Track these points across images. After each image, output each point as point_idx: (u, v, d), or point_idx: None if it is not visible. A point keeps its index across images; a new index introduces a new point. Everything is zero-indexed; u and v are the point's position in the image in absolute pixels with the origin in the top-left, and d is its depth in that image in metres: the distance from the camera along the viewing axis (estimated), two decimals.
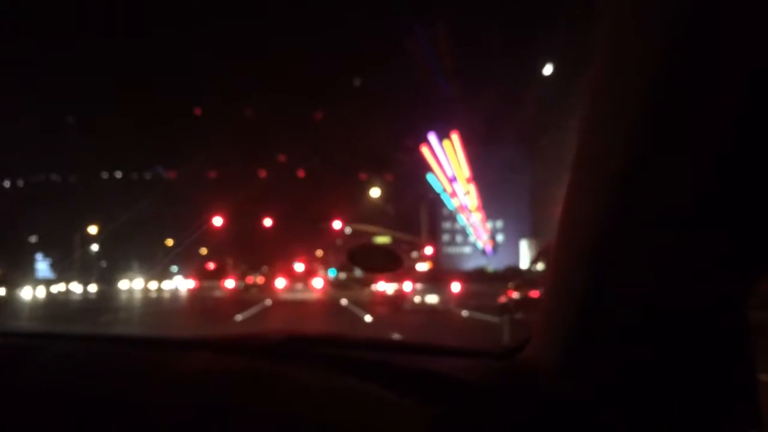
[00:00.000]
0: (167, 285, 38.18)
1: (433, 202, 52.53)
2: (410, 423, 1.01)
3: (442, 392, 1.08)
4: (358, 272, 29.73)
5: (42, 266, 40.81)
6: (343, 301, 20.84)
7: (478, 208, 51.15)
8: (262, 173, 35.77)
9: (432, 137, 47.07)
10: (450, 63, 42.22)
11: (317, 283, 29.17)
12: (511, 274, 18.38)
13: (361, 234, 29.81)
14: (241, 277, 34.31)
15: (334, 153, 46.08)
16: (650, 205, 0.80)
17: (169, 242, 38.06)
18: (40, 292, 29.64)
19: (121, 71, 55.21)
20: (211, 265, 38.12)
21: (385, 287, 20.69)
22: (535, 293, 6.48)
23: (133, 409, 1.20)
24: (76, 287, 33.37)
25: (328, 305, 20.54)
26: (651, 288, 0.84)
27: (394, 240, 31.30)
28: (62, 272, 37.49)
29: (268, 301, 21.22)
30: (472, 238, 54.84)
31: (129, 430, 1.16)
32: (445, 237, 58.66)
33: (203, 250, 40.69)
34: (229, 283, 31.53)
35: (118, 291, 33.91)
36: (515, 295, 7.68)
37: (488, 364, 1.28)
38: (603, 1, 0.86)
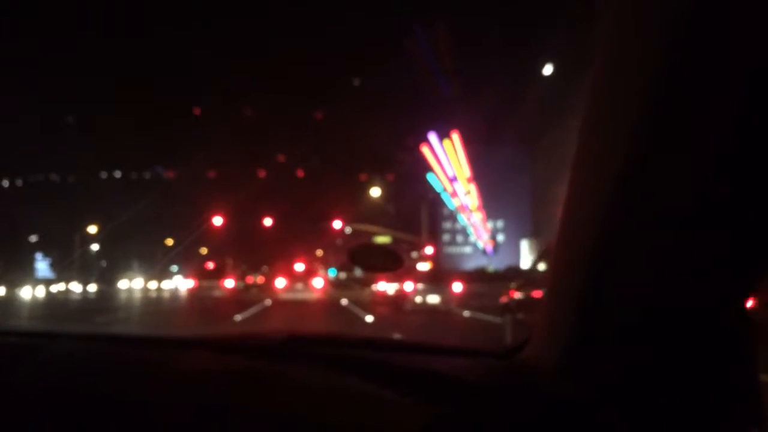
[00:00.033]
0: (167, 285, 38.17)
1: (434, 201, 52.59)
2: (410, 423, 1.01)
3: (442, 392, 1.08)
4: (358, 272, 29.74)
5: (42, 266, 40.77)
6: (344, 301, 20.83)
7: (478, 208, 51.16)
8: (262, 173, 35.77)
9: (432, 137, 47.12)
10: (450, 62, 42.22)
11: (317, 282, 29.18)
12: (512, 274, 18.39)
13: (362, 234, 29.77)
14: (241, 277, 34.30)
15: (334, 152, 46.08)
16: (651, 205, 0.80)
17: (169, 242, 38.05)
18: (40, 291, 29.64)
19: (121, 71, 55.23)
20: (211, 265, 38.11)
21: (385, 287, 20.68)
22: (537, 293, 6.45)
23: (132, 408, 1.20)
24: (75, 287, 33.37)
25: (329, 305, 20.53)
26: (651, 288, 0.84)
27: (395, 240, 31.26)
28: (62, 272, 37.49)
29: (268, 301, 21.21)
30: (472, 238, 54.84)
31: (128, 429, 1.16)
32: (446, 237, 58.62)
33: (203, 250, 40.70)
34: (229, 283, 31.52)
35: (118, 290, 33.91)
36: (517, 295, 7.67)
37: (488, 363, 1.28)
38: (603, 1, 0.86)
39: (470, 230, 53.96)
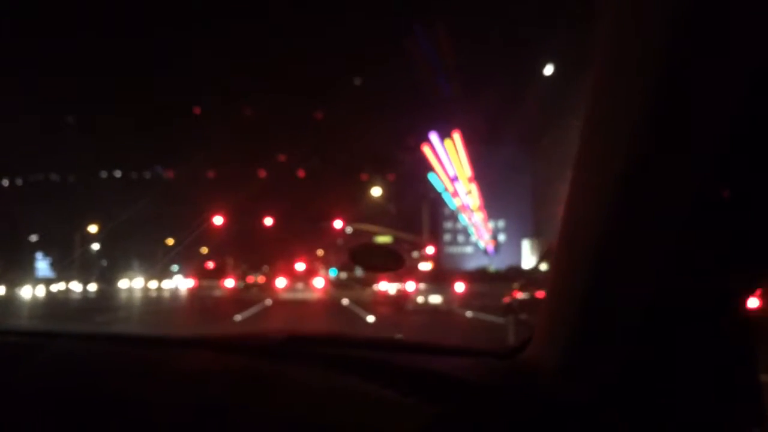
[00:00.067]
0: (167, 284, 38.14)
1: (435, 201, 52.67)
2: (411, 423, 1.01)
3: (443, 392, 1.08)
4: (359, 272, 29.73)
5: (42, 265, 40.75)
6: (345, 301, 20.81)
7: (479, 208, 51.14)
8: (263, 172, 35.73)
9: (433, 136, 47.10)
10: (451, 62, 42.18)
11: (318, 282, 29.17)
12: (514, 274, 18.38)
13: (363, 233, 29.74)
14: (241, 277, 34.27)
15: (335, 152, 45.95)
16: (652, 205, 0.80)
17: (170, 241, 37.96)
18: (40, 290, 29.60)
19: (121, 71, 55.22)
20: (211, 265, 38.06)
21: (387, 287, 20.67)
22: (541, 294, 6.45)
23: (132, 407, 1.20)
24: (75, 286, 33.34)
25: (330, 305, 20.52)
26: (652, 288, 0.84)
27: (396, 239, 31.27)
28: (62, 271, 37.45)
29: (269, 301, 21.20)
30: (473, 238, 54.80)
31: (128, 429, 1.16)
32: (447, 237, 58.54)
33: (204, 250, 40.58)
34: (229, 283, 31.50)
35: (118, 290, 33.88)
36: (520, 295, 7.66)
37: (489, 363, 1.28)
38: (603, 1, 0.87)
39: (471, 230, 53.97)
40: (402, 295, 18.86)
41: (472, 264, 48.03)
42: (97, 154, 41.88)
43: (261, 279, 34.78)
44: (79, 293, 31.58)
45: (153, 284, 37.19)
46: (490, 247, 51.75)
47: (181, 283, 36.90)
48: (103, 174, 39.31)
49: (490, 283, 24.15)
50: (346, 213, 30.80)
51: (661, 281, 0.83)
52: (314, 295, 25.56)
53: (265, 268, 38.10)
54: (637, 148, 0.79)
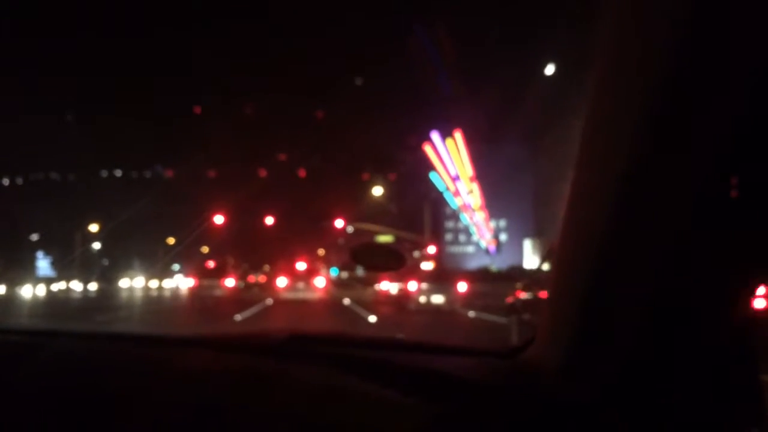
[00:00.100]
0: (168, 283, 38.17)
1: (436, 200, 52.68)
2: (412, 422, 1.01)
3: (444, 391, 1.08)
4: (360, 271, 29.67)
5: (43, 264, 40.89)
6: (346, 301, 20.78)
7: (481, 207, 51.14)
8: (264, 172, 35.70)
9: (435, 135, 47.09)
10: (453, 61, 42.18)
11: (319, 282, 29.06)
12: (516, 274, 18.31)
13: (364, 233, 29.73)
14: (242, 276, 34.19)
15: (336, 151, 46.04)
16: (652, 205, 0.80)
17: (170, 240, 37.98)
18: (41, 290, 29.65)
19: (121, 71, 55.30)
20: (212, 264, 38.00)
21: (388, 287, 20.58)
22: (544, 294, 6.34)
23: (133, 406, 1.20)
24: (76, 285, 33.37)
25: (331, 305, 20.50)
26: (653, 287, 0.84)
27: (397, 239, 31.21)
28: (63, 270, 37.54)
29: (269, 300, 21.18)
30: (475, 238, 54.80)
31: (129, 427, 1.17)
32: (448, 236, 58.55)
33: (204, 249, 40.59)
34: (229, 282, 31.42)
35: (119, 289, 33.93)
36: (524, 295, 7.60)
37: (491, 363, 1.28)
38: (605, 1, 0.87)
39: (473, 229, 53.95)
40: (404, 295, 18.77)
41: (473, 264, 48.07)
42: (97, 153, 41.98)
43: (262, 278, 34.73)
44: (79, 292, 31.65)
45: (154, 283, 37.28)
46: (492, 247, 51.78)
47: (181, 283, 36.87)
48: (104, 173, 39.38)
49: (492, 282, 24.09)
50: (347, 212, 30.81)
51: (662, 281, 0.83)
52: (315, 295, 25.50)
53: (266, 267, 38.10)
54: (638, 148, 0.79)
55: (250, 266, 37.69)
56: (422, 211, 48.17)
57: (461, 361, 1.34)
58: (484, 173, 49.11)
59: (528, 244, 50.57)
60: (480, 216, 51.61)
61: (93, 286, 33.66)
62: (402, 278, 18.91)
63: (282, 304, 20.46)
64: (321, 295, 26.01)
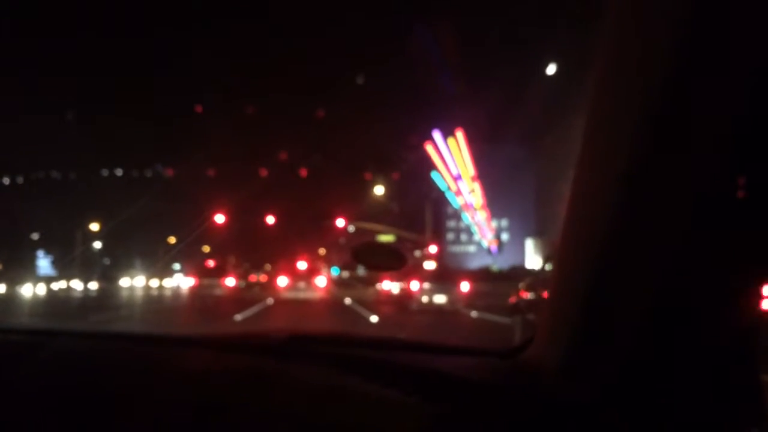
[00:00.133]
0: (168, 282, 38.14)
1: (438, 200, 52.48)
2: (412, 422, 1.01)
3: (444, 391, 1.08)
4: (361, 271, 29.64)
5: (43, 263, 40.95)
6: (347, 301, 20.72)
7: (483, 207, 51.06)
8: (265, 171, 35.58)
9: (437, 135, 46.99)
10: (454, 61, 42.13)
11: (320, 281, 29.02)
12: (517, 274, 18.20)
13: (365, 232, 29.61)
14: (243, 276, 34.14)
15: (338, 151, 45.94)
16: (653, 205, 0.80)
17: (171, 240, 37.87)
18: (41, 289, 29.61)
19: (121, 71, 55.30)
20: (212, 263, 37.95)
21: (390, 286, 20.50)
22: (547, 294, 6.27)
23: (133, 406, 1.20)
24: (77, 284, 33.34)
25: (332, 304, 20.44)
26: (653, 287, 0.84)
27: (399, 238, 31.12)
28: (63, 269, 37.54)
29: (270, 300, 21.14)
30: (476, 237, 54.73)
31: (130, 427, 1.17)
32: (450, 235, 58.52)
33: (205, 248, 40.53)
34: (230, 282, 31.36)
35: (119, 288, 33.89)
36: (528, 295, 7.52)
37: (491, 363, 1.28)
38: (606, 1, 0.86)
39: (474, 229, 53.85)
40: (406, 295, 18.69)
41: (475, 263, 48.03)
42: (98, 153, 41.99)
43: (263, 278, 34.68)
44: (80, 291, 31.59)
45: (154, 283, 37.23)
46: (494, 246, 51.68)
47: (182, 282, 36.83)
48: (105, 172, 39.27)
49: (494, 282, 24.01)
50: (348, 211, 30.70)
51: (662, 281, 0.83)
52: (316, 295, 25.46)
53: (267, 266, 38.07)
54: (639, 148, 0.79)
55: (251, 265, 37.67)
56: (424, 210, 47.96)
57: (461, 360, 1.34)
58: (485, 172, 49.05)
59: (529, 244, 50.49)
60: (481, 215, 51.57)
61: (94, 285, 33.65)
62: (403, 278, 18.83)
63: (283, 303, 20.41)
64: (322, 294, 25.97)
